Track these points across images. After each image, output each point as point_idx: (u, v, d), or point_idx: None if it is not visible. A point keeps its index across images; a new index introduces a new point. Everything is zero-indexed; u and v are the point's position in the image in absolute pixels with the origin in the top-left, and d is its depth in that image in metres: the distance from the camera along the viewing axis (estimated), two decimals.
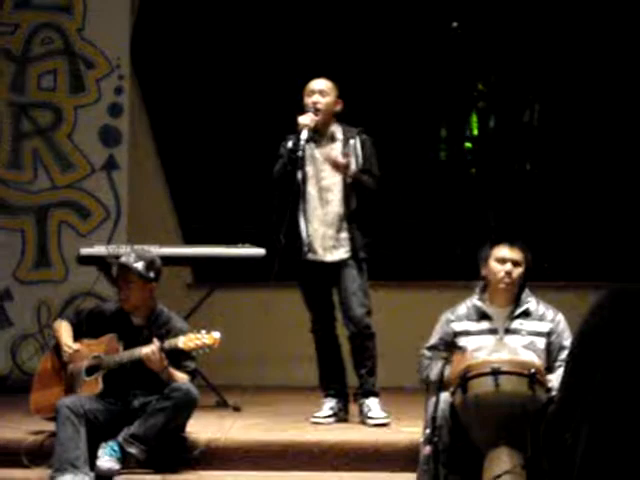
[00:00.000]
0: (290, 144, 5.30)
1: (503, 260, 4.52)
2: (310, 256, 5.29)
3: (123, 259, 4.94)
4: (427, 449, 4.05)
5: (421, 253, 7.63)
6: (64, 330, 5.00)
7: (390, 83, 7.57)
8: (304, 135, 5.24)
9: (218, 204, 7.54)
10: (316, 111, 5.29)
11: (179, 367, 4.83)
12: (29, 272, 6.91)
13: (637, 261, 6.93)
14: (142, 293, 4.89)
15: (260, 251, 5.86)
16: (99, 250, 5.89)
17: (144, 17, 7.15)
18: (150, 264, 4.93)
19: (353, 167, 5.26)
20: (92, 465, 4.66)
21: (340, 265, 5.28)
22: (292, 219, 5.28)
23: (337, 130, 5.38)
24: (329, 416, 5.32)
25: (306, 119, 5.27)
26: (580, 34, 7.62)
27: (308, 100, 5.36)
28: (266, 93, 7.46)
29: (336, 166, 5.23)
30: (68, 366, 4.96)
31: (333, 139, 5.37)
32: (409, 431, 4.91)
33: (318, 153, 5.34)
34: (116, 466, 4.67)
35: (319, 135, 5.35)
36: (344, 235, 5.29)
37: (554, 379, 4.29)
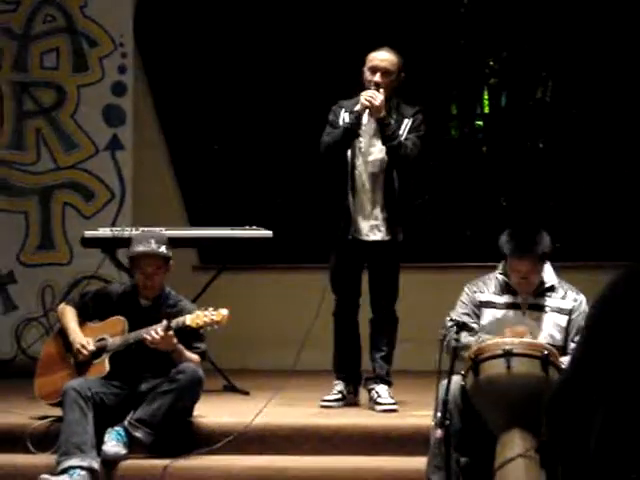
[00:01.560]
0: (344, 114, 5.13)
1: (517, 273, 4.46)
2: (355, 235, 5.16)
3: (146, 248, 4.85)
4: (438, 432, 4.02)
5: (432, 234, 7.55)
6: (70, 320, 4.94)
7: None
8: (365, 119, 5.04)
9: (224, 185, 7.48)
10: (377, 88, 5.05)
11: (189, 348, 4.81)
12: (33, 255, 6.88)
13: None
14: (164, 276, 4.90)
15: (267, 233, 5.79)
16: (104, 232, 5.84)
17: None
18: (168, 244, 4.92)
19: (383, 113, 5.06)
20: (98, 449, 4.63)
21: (380, 246, 5.17)
22: (339, 195, 5.15)
23: (393, 107, 5.17)
24: (338, 400, 5.27)
25: (374, 99, 5.00)
26: (592, 9, 7.54)
27: (370, 77, 5.12)
28: (272, 70, 7.40)
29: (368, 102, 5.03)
30: (74, 349, 4.90)
31: (388, 115, 5.14)
32: (419, 415, 4.87)
33: (370, 129, 5.13)
34: (122, 451, 4.64)
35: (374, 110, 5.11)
36: (387, 215, 5.15)
37: (566, 361, 4.22)
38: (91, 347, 4.84)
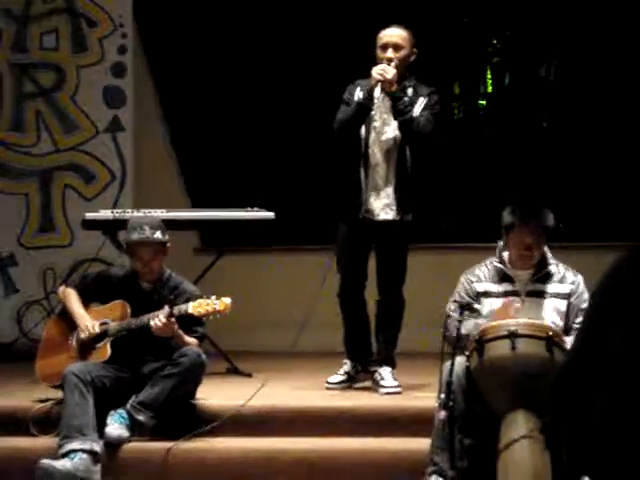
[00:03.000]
0: (359, 92, 5.09)
1: (522, 243, 4.43)
2: (365, 214, 5.11)
3: (140, 236, 4.82)
4: (442, 414, 4.01)
5: (432, 214, 7.52)
6: (74, 302, 4.93)
7: None
8: (377, 93, 5.00)
9: (225, 166, 7.45)
10: (389, 63, 5.01)
11: (189, 331, 4.79)
12: (33, 237, 6.87)
13: None
14: (163, 259, 4.88)
15: (269, 214, 5.76)
16: (104, 214, 5.81)
17: None
18: (163, 228, 4.89)
19: (395, 87, 5.02)
20: (101, 433, 4.63)
21: (389, 226, 5.12)
22: (351, 173, 5.11)
23: (408, 85, 5.13)
24: (342, 381, 5.26)
25: (386, 72, 4.96)
26: None
27: (382, 55, 5.08)
28: (273, 50, 7.36)
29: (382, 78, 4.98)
30: (76, 333, 4.90)
31: (403, 94, 5.09)
32: (423, 396, 4.87)
33: (384, 107, 5.09)
34: (125, 433, 4.64)
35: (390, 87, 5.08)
36: (399, 195, 5.10)
37: (570, 341, 4.20)
38: (96, 329, 4.83)
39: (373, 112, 5.09)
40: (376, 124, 5.11)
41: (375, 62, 5.10)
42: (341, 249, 5.21)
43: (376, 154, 5.12)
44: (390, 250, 5.17)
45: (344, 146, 5.14)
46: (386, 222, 5.11)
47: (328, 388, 5.23)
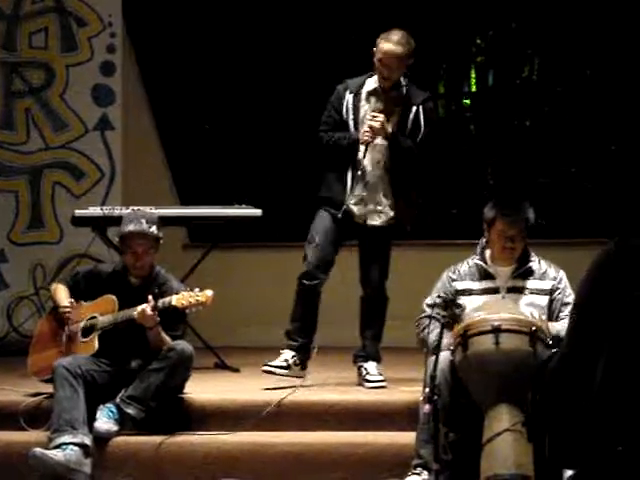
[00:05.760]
0: (351, 101, 5.01)
1: (505, 236, 4.47)
2: (346, 215, 5.05)
3: (137, 227, 4.85)
4: (427, 408, 4.03)
5: (420, 212, 7.56)
6: (60, 292, 4.98)
7: None
8: (361, 155, 4.96)
9: (214, 163, 7.49)
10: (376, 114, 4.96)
11: (168, 329, 4.79)
12: (23, 234, 6.88)
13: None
14: (154, 255, 4.90)
15: (257, 211, 5.81)
16: (94, 211, 5.84)
17: None
18: (158, 224, 4.93)
19: (389, 129, 5.01)
20: (91, 427, 4.65)
21: (378, 230, 5.11)
22: (338, 175, 5.07)
23: (403, 90, 5.08)
24: (282, 367, 5.08)
25: (372, 132, 4.92)
26: None
27: (381, 68, 4.98)
28: (261, 47, 7.38)
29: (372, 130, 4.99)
30: (65, 328, 4.94)
31: (397, 100, 5.07)
32: (409, 391, 4.90)
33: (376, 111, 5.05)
34: (114, 428, 4.67)
35: (383, 91, 5.07)
36: (389, 201, 5.10)
37: (558, 326, 4.30)
38: (68, 302, 4.83)
39: (363, 116, 5.05)
40: (364, 128, 5.03)
41: (371, 61, 5.05)
42: (317, 234, 5.10)
43: (367, 165, 5.07)
44: (375, 250, 5.17)
45: (333, 158, 5.12)
46: (374, 226, 5.11)
47: (266, 372, 5.05)
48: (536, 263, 4.55)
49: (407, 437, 4.44)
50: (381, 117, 4.98)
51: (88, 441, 4.59)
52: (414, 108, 5.07)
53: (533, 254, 4.58)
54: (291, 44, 7.45)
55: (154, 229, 4.88)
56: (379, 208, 5.12)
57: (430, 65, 7.85)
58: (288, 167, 7.49)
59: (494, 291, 4.51)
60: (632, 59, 7.42)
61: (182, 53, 7.38)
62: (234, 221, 5.88)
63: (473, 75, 8.05)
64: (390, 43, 5.01)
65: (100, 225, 5.80)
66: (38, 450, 4.50)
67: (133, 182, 6.89)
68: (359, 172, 5.05)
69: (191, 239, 7.13)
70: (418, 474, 4.33)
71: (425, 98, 5.13)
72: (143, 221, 4.88)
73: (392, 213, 5.12)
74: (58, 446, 4.53)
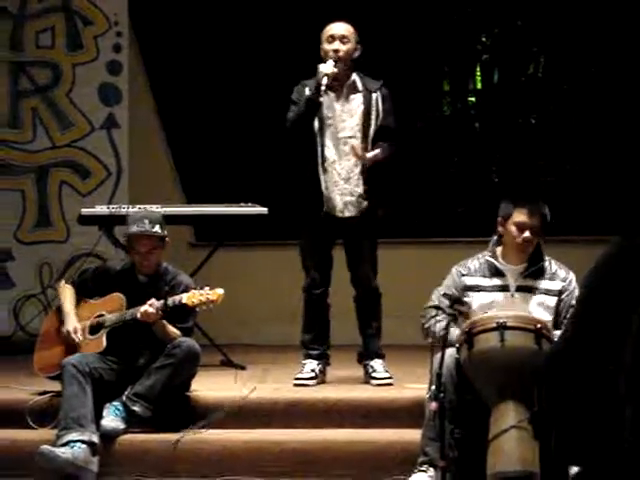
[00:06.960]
0: (307, 91, 5.08)
1: (523, 227, 4.44)
2: (327, 211, 5.11)
3: (140, 228, 4.88)
4: (433, 405, 4.04)
5: (423, 210, 7.57)
6: (67, 299, 4.99)
7: (392, 36, 7.46)
8: (324, 81, 4.98)
9: (220, 162, 7.49)
10: (337, 60, 5.05)
11: (179, 322, 4.82)
12: (30, 233, 6.89)
13: None
14: (161, 253, 4.93)
15: (263, 210, 5.82)
16: (100, 210, 5.86)
17: None
18: (162, 223, 4.95)
19: (369, 155, 5.06)
20: (98, 424, 4.67)
21: (354, 222, 5.13)
22: (309, 171, 5.12)
23: (357, 80, 5.17)
24: (311, 378, 5.17)
25: (328, 67, 5.01)
26: None
27: (328, 47, 5.12)
28: (267, 46, 7.38)
29: (355, 154, 5.06)
30: (64, 333, 4.96)
31: (354, 89, 5.16)
32: (414, 388, 4.90)
33: (337, 104, 5.13)
34: (121, 425, 4.69)
35: (339, 84, 5.13)
36: (362, 190, 5.12)
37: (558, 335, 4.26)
38: (79, 335, 4.87)
39: (325, 110, 5.10)
40: (330, 122, 5.11)
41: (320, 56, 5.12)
42: (305, 248, 5.19)
43: (332, 151, 5.12)
44: (358, 245, 5.16)
45: (299, 145, 5.15)
46: (350, 218, 5.13)
47: (298, 385, 5.11)
48: (547, 263, 4.52)
49: (413, 434, 4.45)
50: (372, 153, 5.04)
51: (96, 439, 4.60)
52: (374, 95, 5.15)
53: (544, 254, 4.54)
54: (298, 43, 7.44)
55: (158, 228, 4.90)
56: (351, 199, 5.13)
57: (435, 63, 7.85)
58: (294, 165, 7.48)
59: (503, 289, 4.48)
60: (638, 57, 7.41)
61: (188, 52, 7.38)
62: (240, 219, 5.89)
63: (478, 73, 8.04)
64: (337, 21, 5.20)
65: (107, 224, 5.82)
66: (46, 448, 4.52)
67: (139, 181, 6.90)
68: (329, 167, 5.11)
69: (197, 237, 7.14)
70: (424, 471, 4.34)
71: (381, 85, 5.20)
72: (146, 221, 4.90)
73: (365, 203, 5.13)
74: (66, 444, 4.54)
